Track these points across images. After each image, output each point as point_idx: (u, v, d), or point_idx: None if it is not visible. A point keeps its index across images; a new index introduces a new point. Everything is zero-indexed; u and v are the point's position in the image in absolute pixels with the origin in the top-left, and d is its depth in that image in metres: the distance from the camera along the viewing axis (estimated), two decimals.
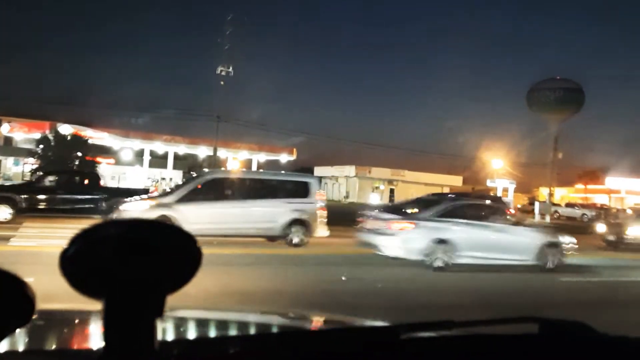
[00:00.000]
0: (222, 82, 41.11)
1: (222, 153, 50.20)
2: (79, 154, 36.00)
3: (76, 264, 0.71)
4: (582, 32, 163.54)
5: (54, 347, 1.47)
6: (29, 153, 36.80)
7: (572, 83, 49.25)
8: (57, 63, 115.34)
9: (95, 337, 1.37)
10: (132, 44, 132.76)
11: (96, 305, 0.74)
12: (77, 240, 0.71)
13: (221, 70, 40.43)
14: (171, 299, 0.76)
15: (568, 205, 51.98)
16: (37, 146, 35.59)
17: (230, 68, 40.88)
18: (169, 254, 0.75)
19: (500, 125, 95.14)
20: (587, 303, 8.12)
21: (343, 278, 8.87)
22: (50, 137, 35.91)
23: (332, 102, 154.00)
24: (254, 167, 56.22)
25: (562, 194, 61.61)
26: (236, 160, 55.92)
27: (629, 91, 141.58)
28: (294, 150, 56.52)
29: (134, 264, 0.73)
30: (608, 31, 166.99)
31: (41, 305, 0.73)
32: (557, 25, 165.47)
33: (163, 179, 48.35)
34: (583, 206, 52.23)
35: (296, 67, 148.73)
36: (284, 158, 57.56)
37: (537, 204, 38.00)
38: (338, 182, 62.69)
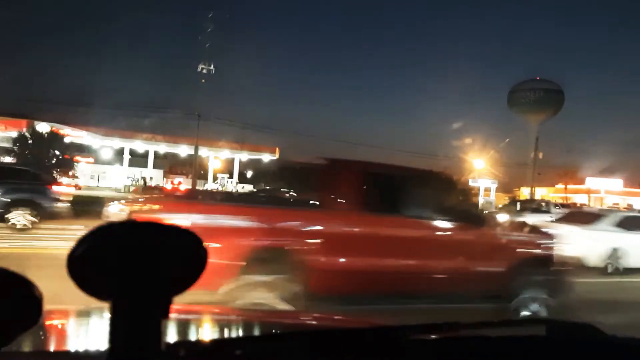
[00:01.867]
0: (203, 80, 40.74)
1: (203, 152, 49.74)
2: (57, 152, 35.39)
3: (83, 265, 0.71)
4: (565, 33, 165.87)
5: (59, 347, 1.48)
6: (6, 151, 36.09)
7: (552, 84, 49.87)
8: (36, 61, 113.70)
9: (101, 338, 1.30)
10: (113, 42, 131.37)
11: (102, 306, 0.74)
12: (85, 242, 0.71)
13: (202, 68, 40.05)
14: (177, 300, 0.77)
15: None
16: (15, 144, 34.91)
17: (212, 66, 40.54)
18: (175, 255, 0.76)
19: (482, 126, 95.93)
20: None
21: None
22: (28, 135, 35.25)
23: (315, 101, 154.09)
24: (236, 167, 55.89)
25: (542, 194, 62.16)
26: (218, 159, 55.48)
27: (610, 91, 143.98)
28: (277, 149, 56.29)
29: (141, 265, 0.74)
30: (591, 33, 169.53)
31: (47, 305, 0.73)
32: (541, 25, 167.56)
33: (143, 177, 47.74)
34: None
35: (280, 65, 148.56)
36: (267, 157, 57.29)
37: (518, 204, 38.28)
38: None
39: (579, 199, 61.43)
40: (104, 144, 50.67)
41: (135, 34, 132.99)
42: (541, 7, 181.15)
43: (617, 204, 54.34)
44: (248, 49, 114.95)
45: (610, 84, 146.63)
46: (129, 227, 0.74)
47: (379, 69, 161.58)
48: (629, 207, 50.53)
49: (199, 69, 40.57)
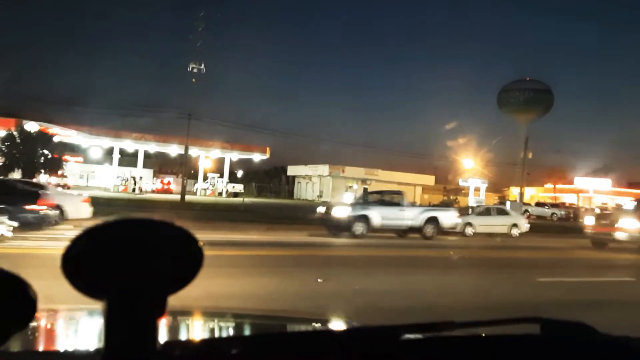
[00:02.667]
0: (193, 80, 40.44)
1: (193, 151, 49.51)
2: (46, 151, 35.10)
3: (78, 264, 0.71)
4: (553, 34, 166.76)
5: (54, 347, 1.47)
6: None
7: (542, 84, 50.12)
8: (24, 59, 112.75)
9: (96, 338, 1.35)
10: (102, 41, 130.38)
11: (97, 305, 0.74)
12: (79, 241, 0.71)
13: (193, 68, 39.74)
14: (172, 299, 0.77)
15: (538, 204, 52.74)
16: (3, 143, 34.64)
17: (202, 65, 40.23)
18: (170, 254, 0.75)
19: (471, 126, 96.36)
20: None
21: (319, 280, 8.66)
22: (16, 134, 34.96)
23: (306, 101, 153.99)
24: (226, 166, 55.73)
25: (531, 194, 62.57)
26: (208, 158, 55.28)
27: (600, 92, 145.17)
28: (267, 149, 56.22)
29: (136, 263, 0.73)
30: (580, 33, 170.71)
31: (41, 305, 0.72)
32: (531, 25, 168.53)
33: (133, 177, 47.46)
34: (552, 205, 53.11)
35: (270, 65, 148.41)
36: (257, 157, 57.18)
37: (508, 203, 38.51)
38: (312, 181, 62.57)
39: (568, 199, 61.93)
40: (93, 143, 50.28)
41: (126, 32, 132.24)
42: (531, 7, 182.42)
43: (606, 204, 54.84)
44: (239, 49, 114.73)
45: (600, 84, 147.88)
46: (124, 226, 0.73)
47: (370, 69, 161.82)
48: (618, 207, 50.92)
49: (189, 69, 40.22)
